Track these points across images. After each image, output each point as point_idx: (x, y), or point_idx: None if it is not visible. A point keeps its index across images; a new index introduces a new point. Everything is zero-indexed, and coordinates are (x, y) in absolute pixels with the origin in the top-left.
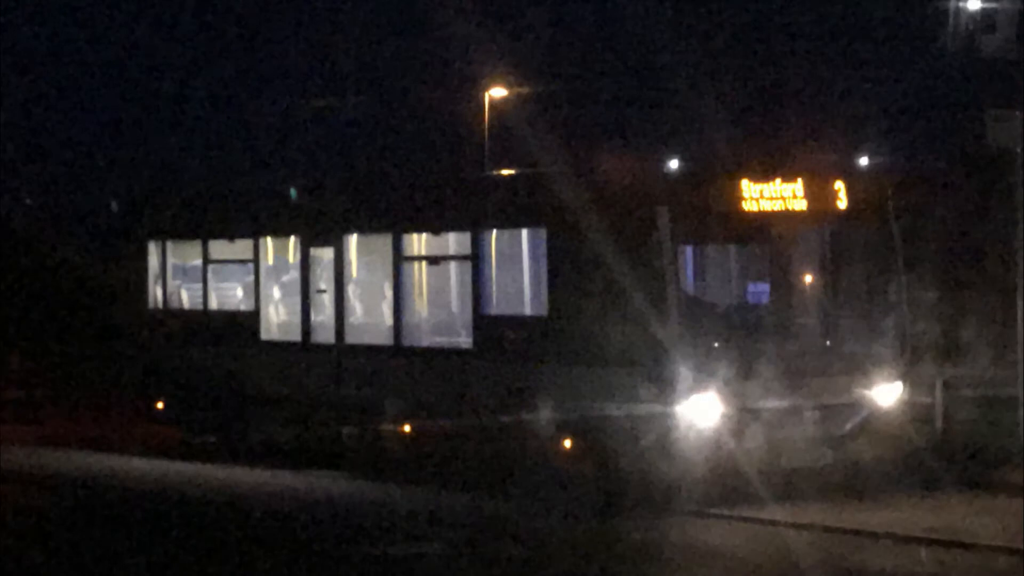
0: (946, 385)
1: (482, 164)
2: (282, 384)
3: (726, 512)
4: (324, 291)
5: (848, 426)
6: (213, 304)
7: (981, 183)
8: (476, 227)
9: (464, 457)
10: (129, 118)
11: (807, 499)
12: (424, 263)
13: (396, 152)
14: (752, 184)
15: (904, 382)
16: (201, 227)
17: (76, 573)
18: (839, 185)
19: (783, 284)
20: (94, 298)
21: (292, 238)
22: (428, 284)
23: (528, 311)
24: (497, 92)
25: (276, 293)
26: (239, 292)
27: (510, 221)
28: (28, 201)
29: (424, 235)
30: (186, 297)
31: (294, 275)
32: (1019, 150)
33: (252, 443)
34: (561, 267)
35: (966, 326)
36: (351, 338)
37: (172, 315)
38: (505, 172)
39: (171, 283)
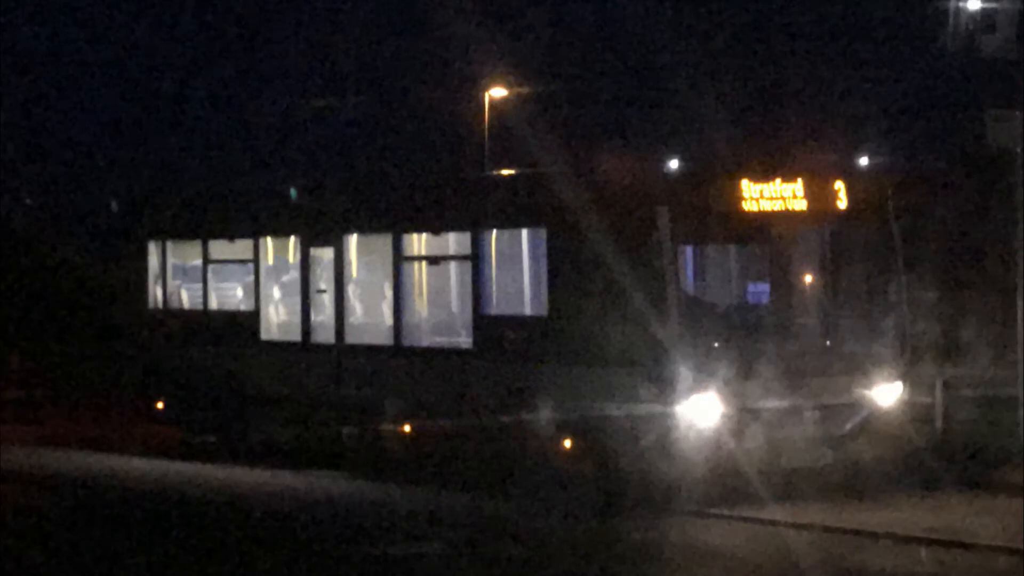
0: (946, 385)
1: (482, 164)
2: (282, 384)
3: (726, 512)
4: (324, 291)
5: (848, 426)
6: (213, 304)
7: (981, 183)
8: (476, 227)
9: (464, 457)
10: (129, 118)
11: (807, 499)
12: (424, 263)
13: (396, 152)
14: (752, 184)
15: (904, 382)
16: (201, 227)
17: (76, 573)
18: (839, 185)
19: (783, 284)
20: (94, 298)
21: (292, 238)
22: (428, 284)
23: (528, 311)
24: (497, 92)
25: (276, 293)
26: (239, 292)
27: (510, 221)
28: (28, 201)
29: (424, 235)
30: (186, 297)
31: (294, 275)
32: (1019, 150)
33: (252, 443)
34: (561, 267)
35: (966, 326)
36: (351, 338)
37: (172, 315)
38: (505, 172)
39: (171, 283)
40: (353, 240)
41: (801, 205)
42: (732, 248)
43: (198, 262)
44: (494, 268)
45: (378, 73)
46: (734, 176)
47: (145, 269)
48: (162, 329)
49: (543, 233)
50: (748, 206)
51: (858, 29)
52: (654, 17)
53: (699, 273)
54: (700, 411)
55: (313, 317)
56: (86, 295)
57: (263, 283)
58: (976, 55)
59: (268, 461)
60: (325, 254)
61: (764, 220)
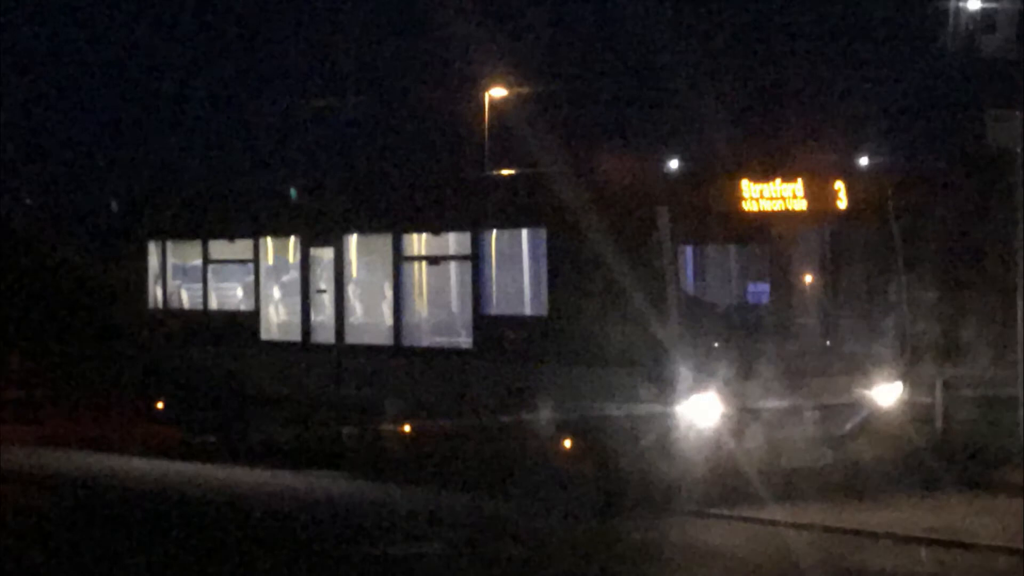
0: (946, 385)
1: (482, 164)
2: (282, 384)
3: (726, 512)
4: (324, 291)
5: (848, 426)
6: (213, 304)
7: (981, 183)
8: (476, 227)
9: (464, 457)
10: (129, 118)
11: (807, 499)
12: (424, 263)
13: (396, 152)
14: (752, 184)
15: (904, 382)
16: (201, 227)
17: (76, 573)
18: (839, 185)
19: (783, 284)
20: (94, 298)
21: (292, 238)
22: (428, 284)
23: (528, 311)
24: (497, 92)
25: (276, 293)
26: (239, 292)
27: (510, 221)
28: (28, 201)
29: (424, 235)
30: (186, 297)
31: (294, 275)
32: (1019, 150)
33: (252, 443)
34: (561, 267)
35: (966, 326)
36: (351, 338)
37: (172, 315)
38: (505, 172)
39: (171, 283)
40: (353, 240)
41: (801, 205)
42: (732, 248)
43: (198, 262)
44: (494, 268)
45: (378, 73)
46: (734, 176)
47: (145, 269)
48: (162, 329)
49: (543, 233)
50: (748, 206)
51: (858, 29)
52: (654, 17)
53: (699, 273)
54: (700, 411)
55: (313, 317)
56: (86, 295)
57: (263, 283)
58: (976, 55)
59: (268, 461)
60: (325, 254)
61: (764, 220)
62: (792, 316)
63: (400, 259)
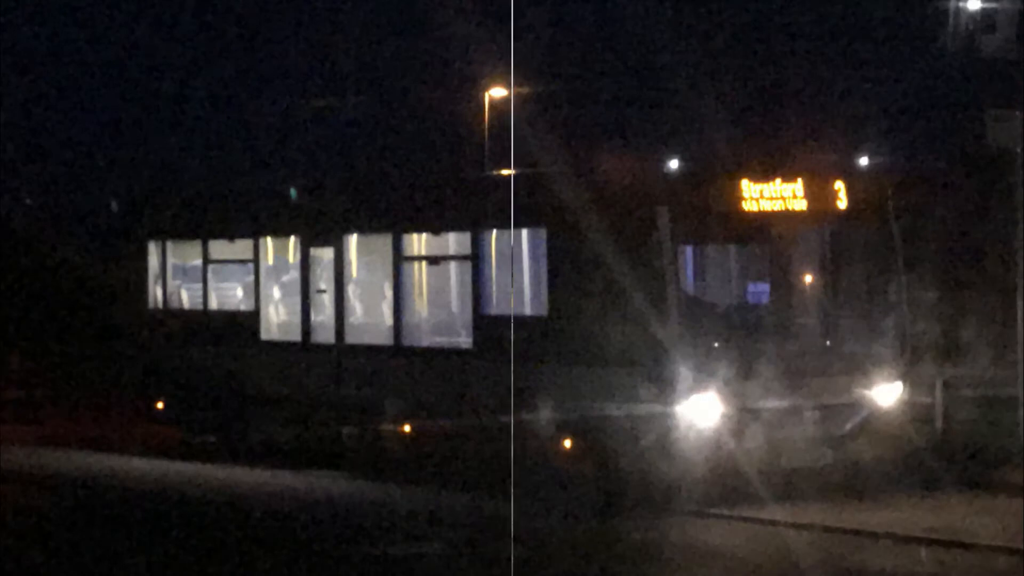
0: (946, 385)
1: (482, 164)
2: (282, 384)
3: (726, 512)
4: (324, 291)
5: (848, 426)
6: (213, 304)
7: (981, 183)
8: (476, 227)
9: (464, 457)
10: (129, 118)
11: (807, 499)
12: (424, 263)
13: (396, 152)
14: (752, 184)
15: (904, 382)
16: (201, 227)
17: (76, 573)
18: (839, 185)
19: (783, 284)
20: (94, 298)
21: (292, 238)
22: (428, 284)
23: (528, 311)
24: (497, 92)
25: (276, 293)
26: (239, 292)
27: (510, 221)
28: (28, 201)
29: (424, 235)
30: (186, 297)
31: (294, 275)
32: (1019, 150)
33: (252, 443)
34: (561, 267)
35: (966, 326)
36: (351, 338)
37: (172, 315)
38: (505, 172)
39: (171, 283)
40: (353, 240)
41: (801, 205)
42: (732, 248)
43: (198, 262)
44: (494, 268)
45: (378, 73)
46: (734, 176)
47: (145, 269)
48: (162, 329)
49: (543, 233)
50: (748, 206)
51: (858, 29)
52: (654, 17)
53: (699, 273)
54: (700, 411)
55: (313, 317)
56: (86, 295)
57: (263, 283)
58: (976, 55)
59: (268, 461)
60: (325, 254)
61: (764, 220)
62: (792, 316)
63: (400, 259)
